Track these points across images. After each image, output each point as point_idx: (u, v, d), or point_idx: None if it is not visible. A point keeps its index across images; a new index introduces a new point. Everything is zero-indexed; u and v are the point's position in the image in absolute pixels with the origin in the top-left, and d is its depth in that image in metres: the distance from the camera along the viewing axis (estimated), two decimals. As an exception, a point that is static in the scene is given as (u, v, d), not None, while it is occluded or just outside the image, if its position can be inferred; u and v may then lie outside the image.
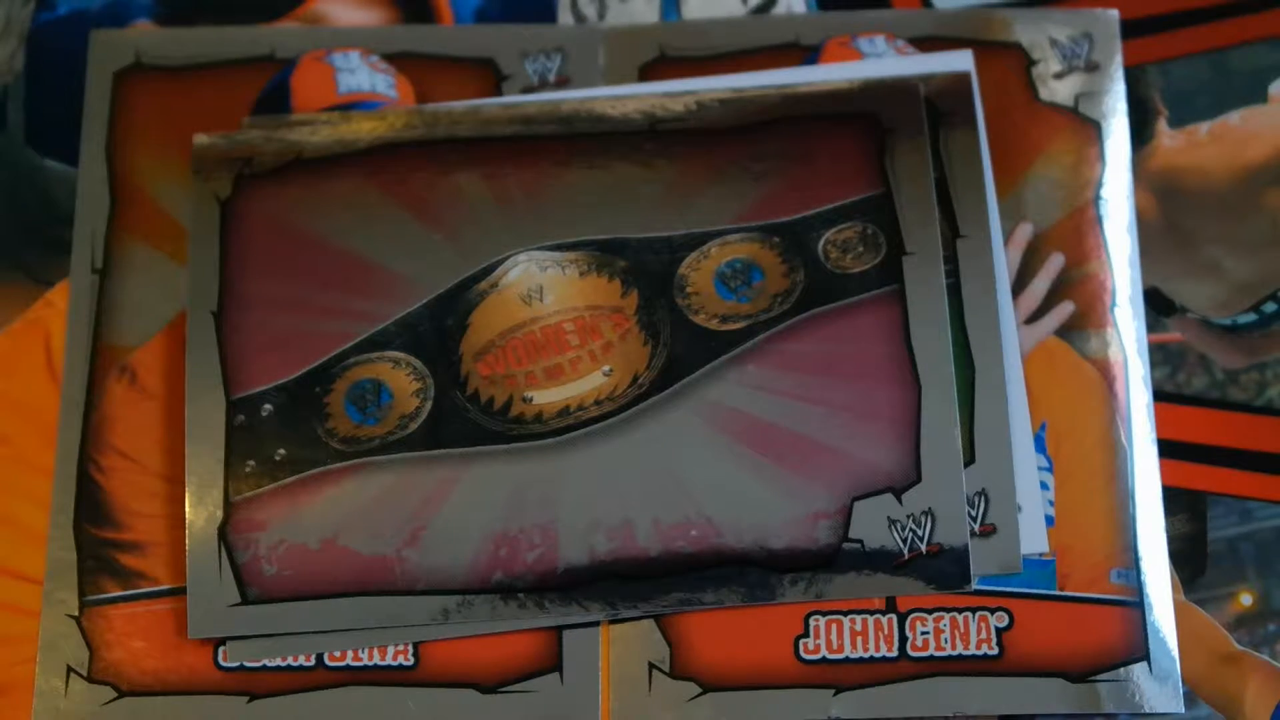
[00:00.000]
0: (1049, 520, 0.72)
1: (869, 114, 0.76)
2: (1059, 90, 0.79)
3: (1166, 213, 0.80)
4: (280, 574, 0.70)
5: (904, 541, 0.70)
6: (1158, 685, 0.70)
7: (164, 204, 0.77)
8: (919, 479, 0.70)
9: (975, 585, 0.70)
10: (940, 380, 0.72)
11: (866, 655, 0.70)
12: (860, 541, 0.70)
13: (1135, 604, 0.71)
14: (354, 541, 0.71)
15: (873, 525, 0.70)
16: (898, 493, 0.70)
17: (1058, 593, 0.71)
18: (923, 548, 0.70)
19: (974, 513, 0.71)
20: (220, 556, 0.70)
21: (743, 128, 0.76)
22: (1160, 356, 0.78)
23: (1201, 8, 0.83)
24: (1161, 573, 0.72)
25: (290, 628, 0.70)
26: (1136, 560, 0.72)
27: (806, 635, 0.71)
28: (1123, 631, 0.71)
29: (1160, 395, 0.75)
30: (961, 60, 0.78)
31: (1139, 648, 0.71)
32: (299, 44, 0.80)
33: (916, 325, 0.72)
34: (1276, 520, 0.77)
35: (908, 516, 0.70)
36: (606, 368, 0.73)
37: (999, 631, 0.71)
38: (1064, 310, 0.75)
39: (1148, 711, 0.70)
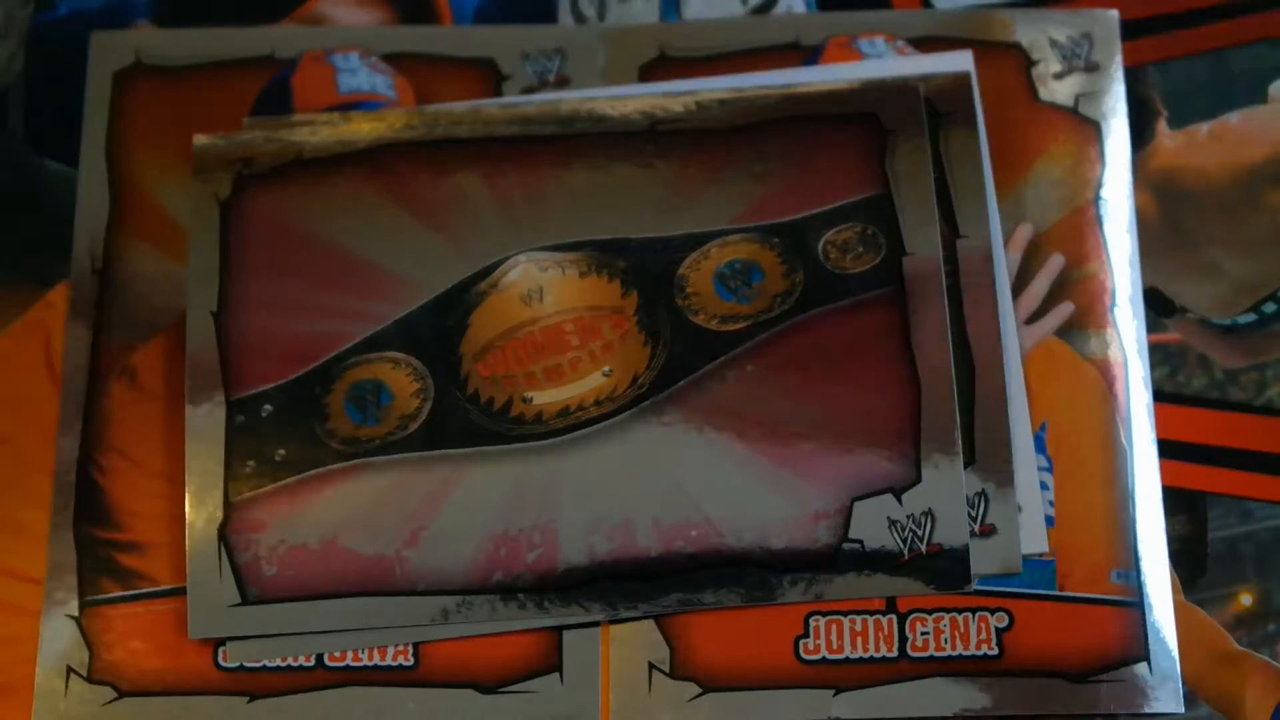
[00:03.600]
0: (1049, 520, 0.72)
1: (869, 115, 0.76)
2: (1059, 90, 0.79)
3: (1166, 213, 0.80)
4: (280, 574, 0.70)
5: (904, 542, 0.70)
6: (1158, 685, 0.70)
7: (164, 204, 0.77)
8: (919, 479, 0.70)
9: (975, 585, 0.70)
10: (940, 381, 0.71)
11: (866, 655, 0.70)
12: (860, 542, 0.70)
13: (1135, 604, 0.71)
14: (354, 542, 0.71)
15: (873, 526, 0.70)
16: (898, 493, 0.70)
17: (1058, 593, 0.71)
18: (923, 548, 0.70)
19: (974, 513, 0.71)
20: (220, 557, 0.70)
21: (743, 128, 0.76)
22: (1160, 357, 0.78)
23: (1201, 8, 0.83)
24: (1161, 573, 0.72)
25: (290, 628, 0.70)
26: (1136, 560, 0.72)
27: (806, 635, 0.71)
28: (1123, 632, 0.71)
29: (1160, 395, 0.75)
30: (961, 61, 0.78)
31: (1139, 648, 0.71)
32: (299, 44, 0.80)
33: (916, 326, 0.72)
34: (1276, 520, 0.77)
35: (907, 517, 0.70)
36: (606, 368, 0.73)
37: (999, 632, 0.71)
38: (1064, 310, 0.75)
39: (1148, 712, 0.70)
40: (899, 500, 0.70)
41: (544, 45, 0.80)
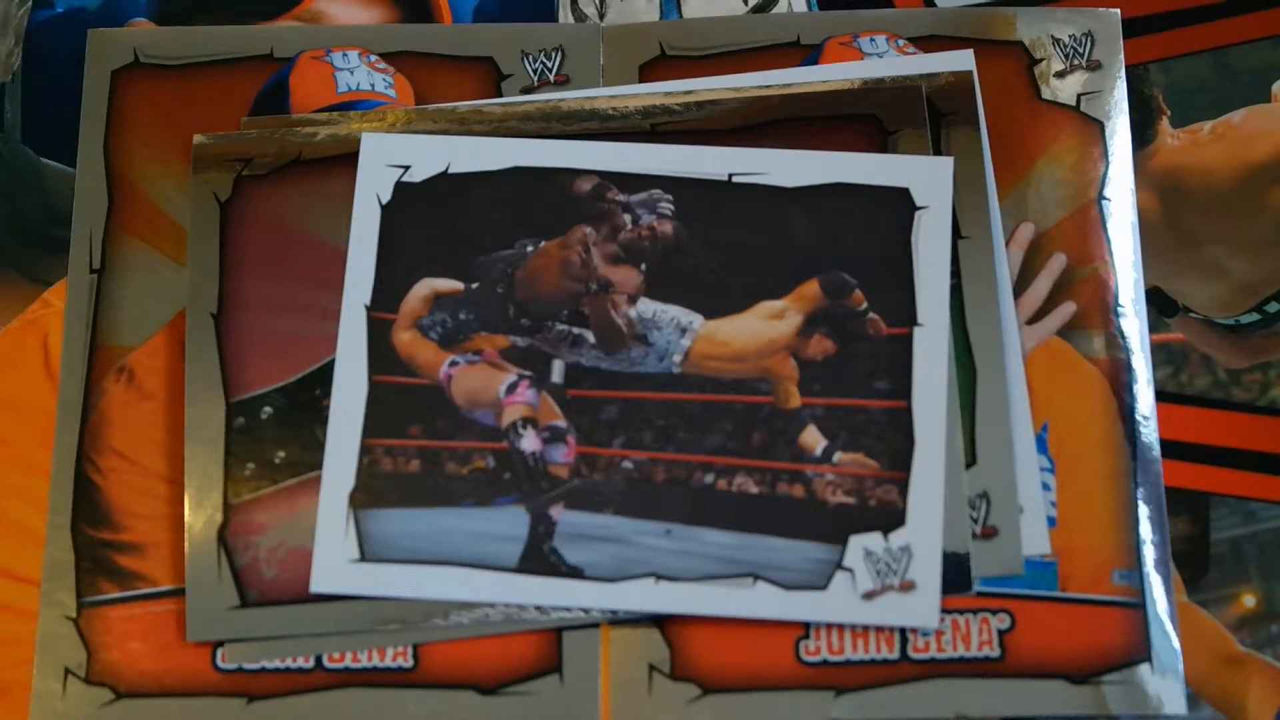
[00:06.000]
0: (1051, 521, 0.72)
1: (870, 115, 0.75)
2: (1061, 89, 0.79)
3: (1169, 212, 0.80)
4: (280, 577, 0.70)
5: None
6: (1160, 686, 0.70)
7: (162, 203, 0.77)
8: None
9: (977, 587, 0.70)
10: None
11: (868, 657, 0.70)
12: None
13: (1137, 605, 0.71)
14: (353, 543, 0.71)
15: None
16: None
17: (1060, 594, 0.71)
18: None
19: (975, 514, 0.71)
20: (220, 559, 0.70)
21: (743, 129, 0.76)
22: (1163, 356, 0.78)
23: (1203, 6, 0.83)
24: (1164, 573, 0.72)
25: (290, 630, 0.70)
26: (1139, 561, 0.72)
27: (807, 637, 0.70)
28: (1125, 632, 0.71)
29: (1163, 395, 0.75)
30: (963, 60, 0.78)
31: (1141, 649, 0.71)
32: (298, 43, 0.80)
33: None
34: (1279, 521, 0.77)
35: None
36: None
37: (1001, 633, 0.71)
38: (1066, 310, 0.75)
39: (1150, 713, 0.70)
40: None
41: (544, 43, 0.80)
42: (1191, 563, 0.74)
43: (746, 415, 0.71)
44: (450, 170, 0.74)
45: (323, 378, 0.72)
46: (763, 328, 0.72)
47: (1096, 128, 0.78)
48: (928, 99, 0.76)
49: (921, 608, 0.69)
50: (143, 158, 0.78)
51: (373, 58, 0.79)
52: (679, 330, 0.72)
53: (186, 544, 0.70)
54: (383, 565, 0.70)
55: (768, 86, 0.77)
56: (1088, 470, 0.73)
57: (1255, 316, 0.79)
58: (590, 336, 0.72)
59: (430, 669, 0.70)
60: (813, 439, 0.71)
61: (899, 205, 0.73)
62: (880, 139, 0.75)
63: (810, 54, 0.79)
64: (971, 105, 0.76)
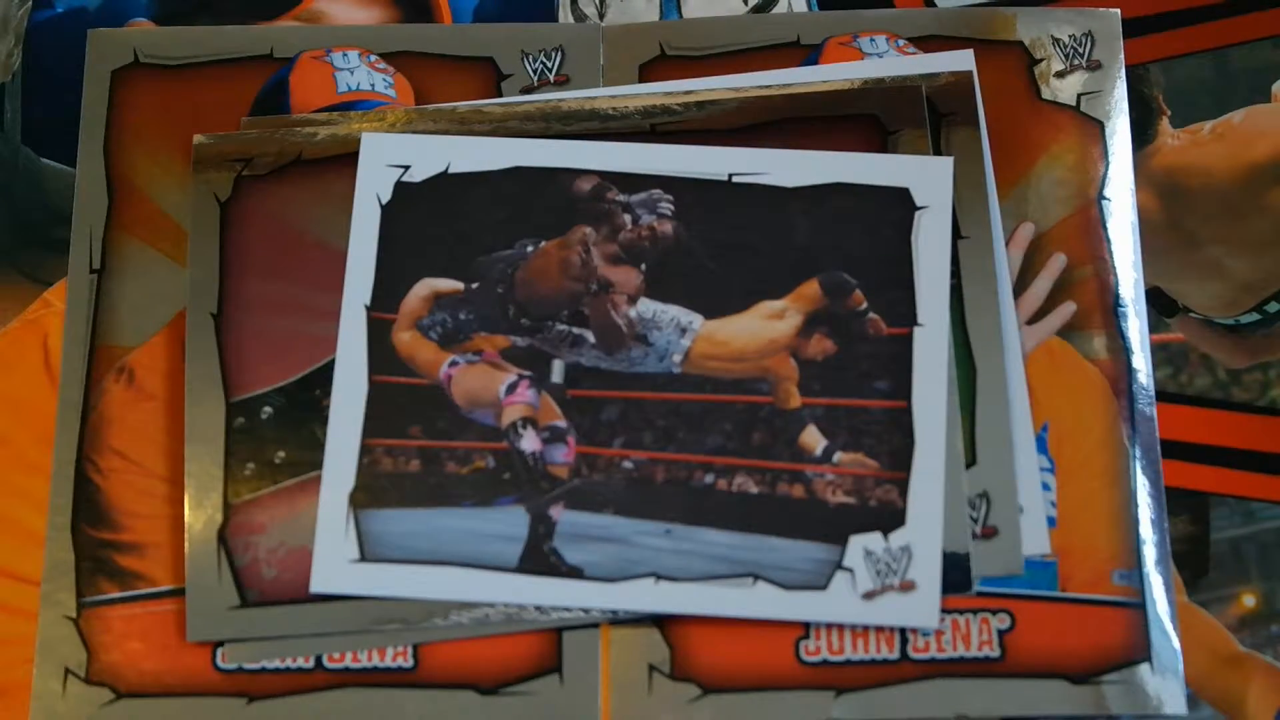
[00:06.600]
0: (1051, 521, 0.72)
1: (870, 115, 0.75)
2: (1061, 89, 0.79)
3: (1169, 212, 0.80)
4: (280, 577, 0.70)
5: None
6: (1160, 686, 0.70)
7: (162, 203, 0.77)
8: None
9: (977, 587, 0.70)
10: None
11: (868, 657, 0.70)
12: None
13: (1137, 605, 0.71)
14: (353, 543, 0.71)
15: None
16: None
17: (1060, 594, 0.71)
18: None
19: (975, 514, 0.71)
20: (220, 559, 0.70)
21: (743, 129, 0.76)
22: (1163, 357, 0.78)
23: (1203, 6, 0.83)
24: (1164, 574, 0.72)
25: (289, 630, 0.70)
26: (1139, 561, 0.72)
27: (807, 637, 0.71)
28: (1125, 632, 0.71)
29: (1163, 395, 0.75)
30: (963, 60, 0.78)
31: (1141, 649, 0.71)
32: (298, 43, 0.80)
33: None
34: (1279, 521, 0.77)
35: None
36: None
37: (1001, 633, 0.71)
38: (1066, 310, 0.75)
39: (1150, 713, 0.70)
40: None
41: (544, 43, 0.80)
42: (1191, 563, 0.74)
43: (746, 415, 0.71)
44: (450, 170, 0.74)
45: (323, 378, 0.72)
46: (763, 328, 0.72)
47: (1096, 128, 0.78)
48: (928, 99, 0.76)
49: (921, 608, 0.69)
50: (143, 158, 0.78)
51: (373, 58, 0.79)
52: (679, 330, 0.72)
53: (186, 544, 0.70)
54: (382, 565, 0.70)
55: (768, 86, 0.77)
56: (1088, 470, 0.73)
57: (1255, 316, 0.79)
58: (590, 336, 0.72)
59: (430, 669, 0.70)
60: (813, 439, 0.71)
61: (899, 205, 0.73)
62: (880, 139, 0.75)
63: (810, 54, 0.79)
64: (971, 105, 0.76)
